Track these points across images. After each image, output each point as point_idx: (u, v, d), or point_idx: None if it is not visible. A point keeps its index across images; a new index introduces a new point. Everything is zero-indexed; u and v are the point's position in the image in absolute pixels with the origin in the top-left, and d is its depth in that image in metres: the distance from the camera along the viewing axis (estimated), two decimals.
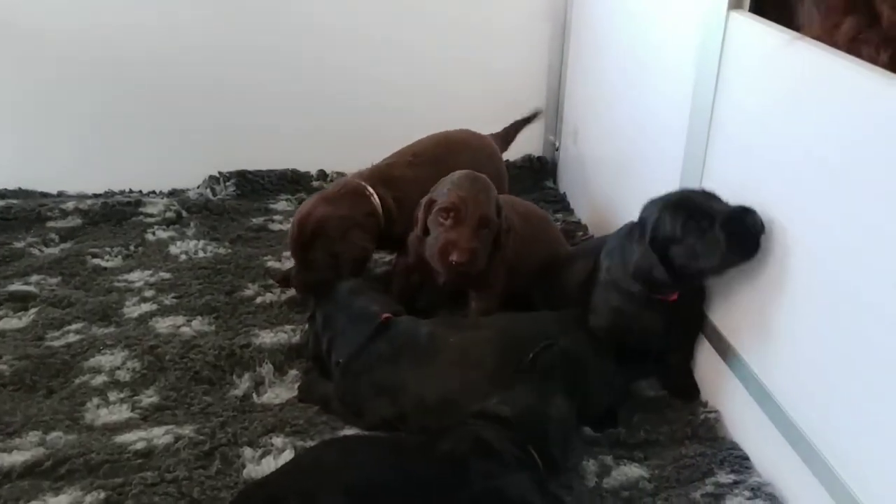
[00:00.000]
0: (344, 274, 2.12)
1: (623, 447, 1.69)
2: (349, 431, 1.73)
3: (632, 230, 1.74)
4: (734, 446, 1.68)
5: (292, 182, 2.99)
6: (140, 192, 2.93)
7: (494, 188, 2.01)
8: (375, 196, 2.21)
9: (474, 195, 1.92)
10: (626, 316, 1.77)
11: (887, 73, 1.24)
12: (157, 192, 2.94)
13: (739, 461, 1.63)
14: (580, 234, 2.64)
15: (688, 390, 1.84)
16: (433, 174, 2.11)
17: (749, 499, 1.51)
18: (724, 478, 1.58)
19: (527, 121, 2.76)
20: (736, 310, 1.70)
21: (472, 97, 2.95)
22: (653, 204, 1.69)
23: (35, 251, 2.49)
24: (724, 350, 1.72)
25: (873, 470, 1.27)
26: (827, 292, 1.37)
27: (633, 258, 1.68)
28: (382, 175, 2.28)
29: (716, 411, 1.77)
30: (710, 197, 1.64)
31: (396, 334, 1.82)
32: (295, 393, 1.86)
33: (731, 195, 1.61)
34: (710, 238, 1.57)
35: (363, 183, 2.23)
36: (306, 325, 2.03)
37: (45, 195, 2.86)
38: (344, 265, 2.15)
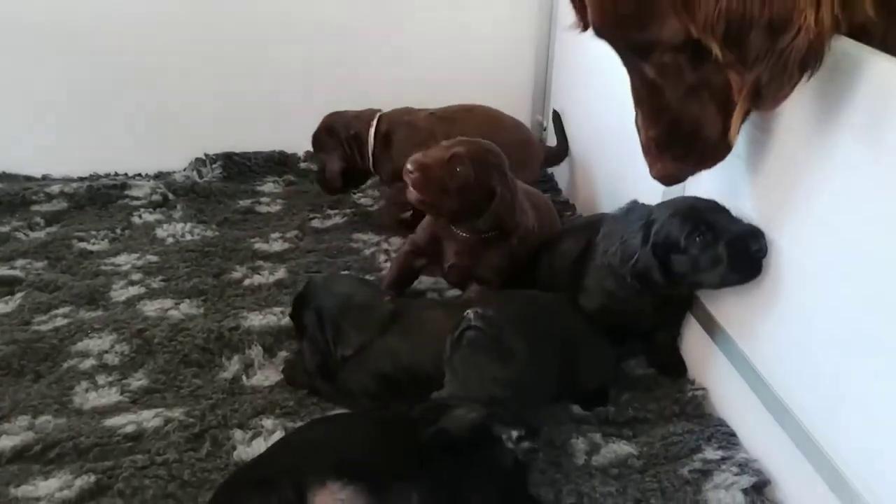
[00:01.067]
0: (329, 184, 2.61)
1: (612, 425, 1.70)
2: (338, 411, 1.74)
3: (629, 213, 1.74)
4: (721, 423, 1.69)
5: (279, 164, 2.98)
6: (126, 174, 2.91)
7: (504, 160, 1.98)
8: (374, 126, 2.54)
9: (460, 140, 1.92)
10: (618, 299, 1.77)
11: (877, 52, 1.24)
12: (143, 174, 2.92)
13: (727, 437, 1.64)
14: (568, 213, 2.64)
15: (675, 367, 1.86)
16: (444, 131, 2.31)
17: (736, 474, 1.52)
18: (712, 454, 1.59)
19: None
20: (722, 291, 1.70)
21: (460, 78, 2.94)
22: (663, 207, 1.68)
23: (20, 235, 2.47)
24: (711, 327, 1.73)
25: (857, 444, 1.28)
26: (812, 269, 1.38)
27: (632, 253, 1.66)
28: (401, 115, 2.57)
29: (703, 388, 1.78)
30: (720, 210, 1.61)
31: (408, 319, 1.78)
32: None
33: (711, 176, 1.61)
34: (712, 255, 1.56)
35: (378, 112, 2.58)
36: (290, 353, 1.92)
37: (29, 179, 2.83)
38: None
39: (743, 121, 1.28)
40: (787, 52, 1.07)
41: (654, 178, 1.45)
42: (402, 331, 1.76)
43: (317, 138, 2.60)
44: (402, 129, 2.53)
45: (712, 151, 1.37)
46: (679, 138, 1.36)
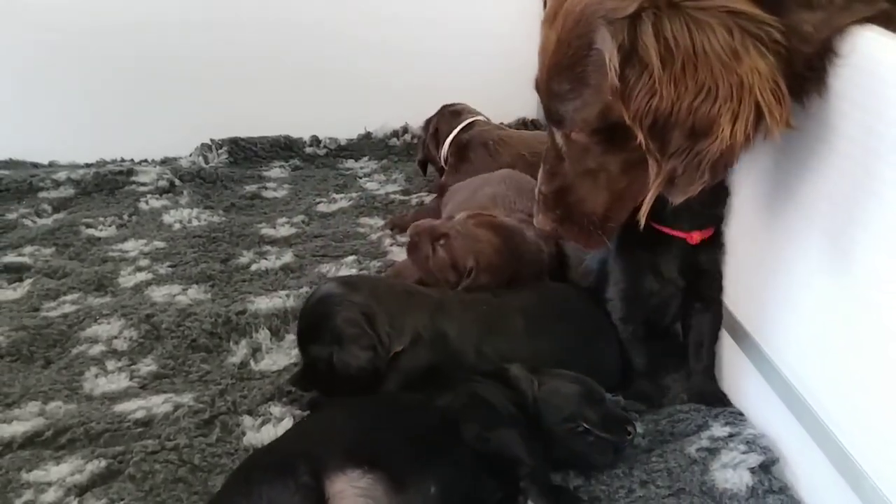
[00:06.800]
0: None
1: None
2: None
3: None
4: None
5: (285, 148, 2.98)
6: (132, 160, 2.92)
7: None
8: (456, 132, 2.54)
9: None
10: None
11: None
12: (150, 160, 2.93)
13: (734, 415, 1.63)
14: None
15: (648, 396, 1.76)
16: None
17: (744, 453, 1.50)
18: (719, 431, 1.57)
19: None
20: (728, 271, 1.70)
21: (463, 58, 2.93)
22: None
23: (28, 222, 2.48)
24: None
25: (864, 425, 1.28)
26: (816, 243, 1.37)
27: None
28: (490, 132, 2.55)
29: None
30: None
31: (452, 304, 1.72)
32: (292, 359, 1.84)
33: None
34: None
35: (470, 119, 2.59)
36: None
37: (36, 165, 2.85)
38: None
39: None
40: (702, 154, 1.18)
41: (536, 226, 1.53)
42: (450, 316, 1.69)
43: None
44: (481, 151, 2.51)
45: (587, 235, 1.46)
46: (564, 206, 1.44)
